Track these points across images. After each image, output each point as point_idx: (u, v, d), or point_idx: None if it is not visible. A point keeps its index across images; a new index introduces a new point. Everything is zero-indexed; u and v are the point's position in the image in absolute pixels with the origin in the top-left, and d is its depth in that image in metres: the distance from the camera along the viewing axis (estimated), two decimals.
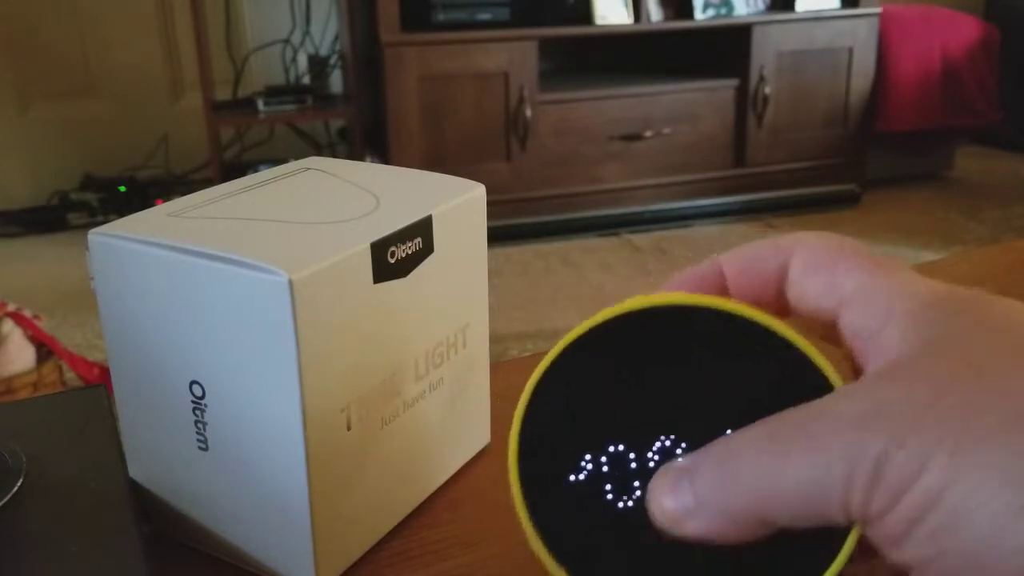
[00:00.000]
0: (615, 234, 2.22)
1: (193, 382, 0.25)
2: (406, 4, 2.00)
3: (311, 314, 0.23)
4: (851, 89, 2.34)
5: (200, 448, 0.26)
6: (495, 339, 1.21)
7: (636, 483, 0.20)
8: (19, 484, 0.27)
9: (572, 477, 0.21)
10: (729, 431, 0.19)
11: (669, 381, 0.20)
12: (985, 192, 2.49)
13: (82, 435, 0.30)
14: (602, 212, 2.22)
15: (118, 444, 0.29)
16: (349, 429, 0.25)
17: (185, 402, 0.25)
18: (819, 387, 0.19)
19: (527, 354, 0.45)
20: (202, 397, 0.25)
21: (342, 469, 0.25)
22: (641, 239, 2.20)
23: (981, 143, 2.77)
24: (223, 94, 2.31)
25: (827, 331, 0.20)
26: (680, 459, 0.19)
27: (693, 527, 0.18)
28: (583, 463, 0.21)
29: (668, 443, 0.20)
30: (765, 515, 0.17)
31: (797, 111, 2.32)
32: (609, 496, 0.20)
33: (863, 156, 2.42)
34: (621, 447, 0.20)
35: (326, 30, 2.41)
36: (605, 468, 0.20)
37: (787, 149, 2.34)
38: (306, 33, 2.40)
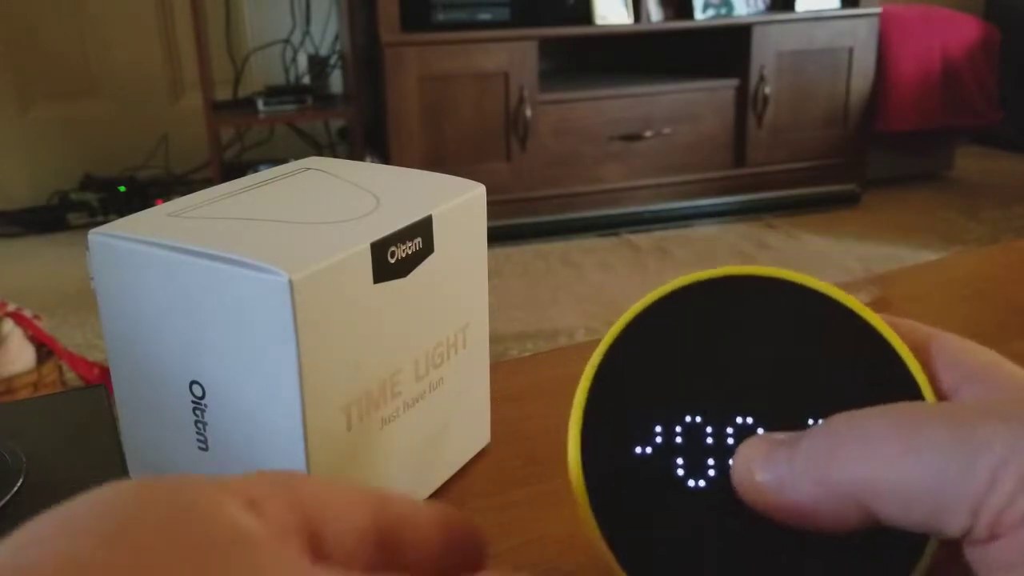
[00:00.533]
0: (615, 234, 2.22)
1: (193, 382, 0.25)
2: (406, 4, 2.00)
3: (311, 314, 0.23)
4: (851, 89, 2.34)
5: (200, 448, 0.26)
6: (495, 339, 1.21)
7: (710, 461, 0.19)
8: (19, 484, 0.27)
9: (640, 448, 0.19)
10: (811, 421, 0.18)
11: (752, 356, 0.19)
12: (985, 192, 2.49)
13: (82, 435, 0.30)
14: (602, 212, 2.22)
15: (118, 444, 0.29)
16: (349, 429, 0.25)
17: (185, 402, 0.25)
18: (908, 387, 0.18)
19: (527, 354, 0.45)
20: (202, 397, 0.25)
21: (342, 469, 0.25)
22: (641, 239, 2.20)
23: (981, 143, 2.77)
24: (223, 94, 2.31)
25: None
26: (774, 434, 0.18)
27: (783, 499, 0.17)
28: (655, 434, 0.19)
29: (749, 422, 0.19)
30: (868, 499, 0.16)
31: (797, 111, 2.32)
32: (680, 472, 0.19)
33: (863, 156, 2.41)
34: (699, 419, 0.19)
35: (326, 30, 2.41)
36: (679, 440, 0.19)
37: (787, 149, 2.34)
38: (306, 33, 2.40)
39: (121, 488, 0.14)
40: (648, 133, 2.22)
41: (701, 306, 0.20)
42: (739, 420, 0.19)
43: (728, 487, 0.18)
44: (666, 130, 2.23)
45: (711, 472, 0.19)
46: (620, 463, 0.19)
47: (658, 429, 0.19)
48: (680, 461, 0.19)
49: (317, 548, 0.15)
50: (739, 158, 2.31)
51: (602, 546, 0.18)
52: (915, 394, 0.19)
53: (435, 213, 0.27)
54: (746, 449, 0.18)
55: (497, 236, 2.06)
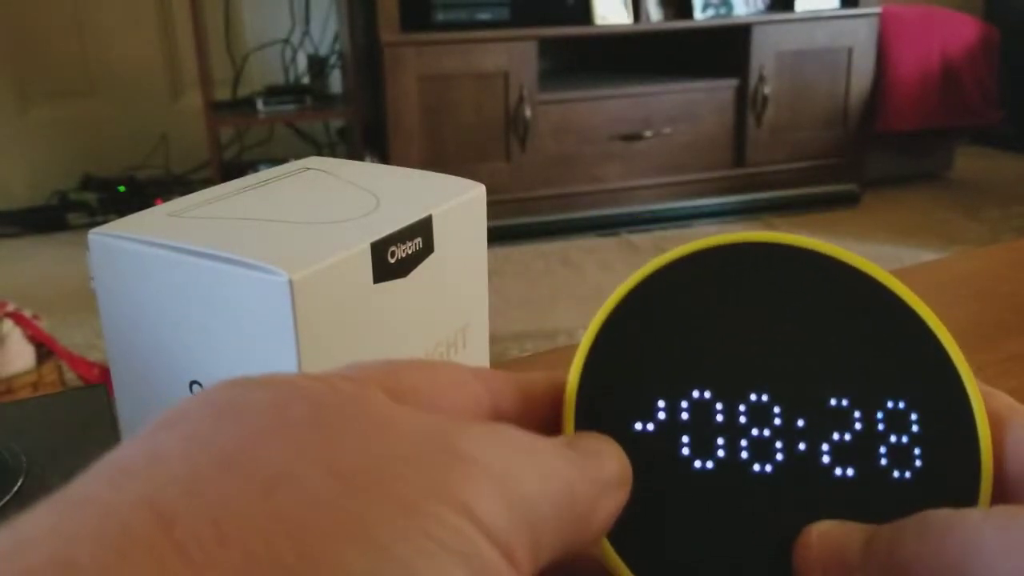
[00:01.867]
0: (615, 234, 2.22)
1: (193, 382, 0.25)
2: (406, 4, 2.00)
3: (311, 314, 0.23)
4: (851, 89, 2.33)
5: None
6: (495, 339, 1.21)
7: (720, 441, 0.17)
8: (19, 484, 0.27)
9: (640, 425, 0.17)
10: (832, 400, 0.17)
11: (769, 328, 0.18)
12: (985, 192, 2.49)
13: (82, 435, 0.30)
14: (602, 212, 2.22)
15: (118, 444, 0.29)
16: None
17: None
18: (940, 362, 0.17)
19: (527, 354, 0.45)
20: None
21: None
22: (641, 239, 2.20)
23: (981, 143, 2.77)
24: (222, 94, 2.30)
25: None
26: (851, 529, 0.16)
27: None
28: (657, 409, 0.17)
29: (764, 399, 0.17)
30: None
31: (797, 111, 2.32)
32: (685, 452, 0.17)
33: (863, 156, 2.41)
34: (708, 395, 0.17)
35: (325, 30, 2.41)
36: (685, 417, 0.17)
37: (787, 149, 2.34)
38: (305, 33, 2.39)
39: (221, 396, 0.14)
40: (648, 133, 2.22)
41: (713, 273, 0.18)
42: (753, 397, 0.17)
43: (739, 471, 0.17)
44: (666, 130, 2.23)
45: (720, 453, 0.17)
46: (617, 440, 0.17)
47: (661, 404, 0.17)
48: (686, 440, 0.17)
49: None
50: (739, 158, 2.31)
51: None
52: (948, 371, 0.18)
53: (435, 213, 0.27)
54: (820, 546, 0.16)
55: (497, 236, 2.06)
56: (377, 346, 0.26)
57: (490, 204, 0.30)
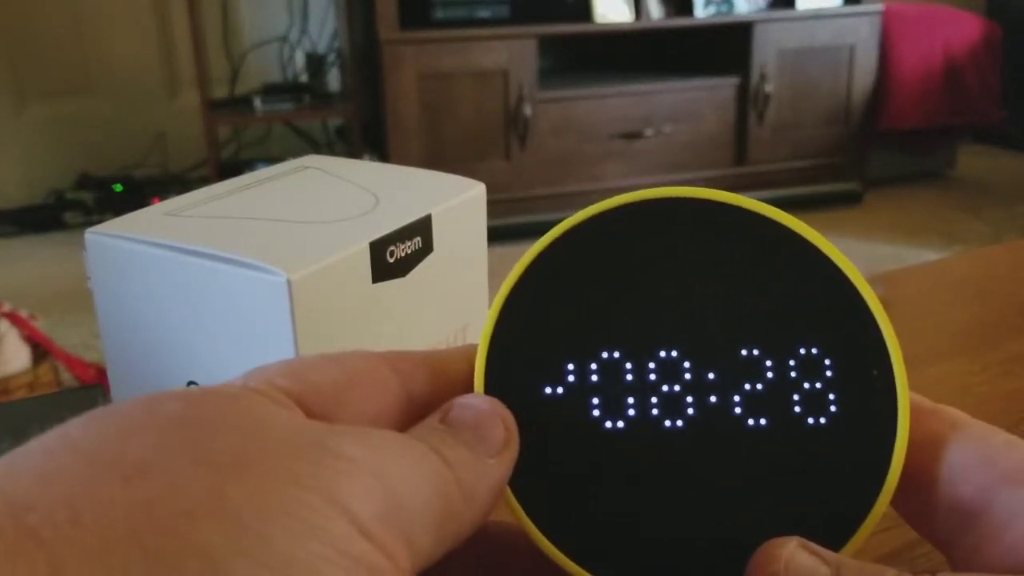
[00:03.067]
0: None
1: (190, 382, 0.25)
2: (405, 1, 2.00)
3: (309, 314, 0.23)
4: (853, 87, 2.33)
5: None
6: None
7: (630, 399, 0.17)
8: None
9: (550, 389, 0.17)
10: (743, 352, 0.17)
11: (678, 284, 0.17)
12: (988, 191, 2.49)
13: None
14: None
15: None
16: None
17: None
18: (856, 310, 0.17)
19: None
20: None
21: None
22: None
23: (983, 142, 2.77)
24: (220, 92, 2.30)
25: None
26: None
27: None
28: (566, 372, 0.17)
29: (673, 355, 0.17)
30: None
31: (799, 109, 2.31)
32: (595, 413, 0.17)
33: (865, 155, 2.41)
34: (616, 354, 0.17)
35: (324, 27, 2.40)
36: (594, 378, 0.17)
37: (788, 147, 2.33)
38: (304, 31, 2.39)
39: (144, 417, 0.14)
40: (649, 131, 2.22)
41: (621, 232, 0.18)
42: (662, 354, 0.17)
43: (650, 428, 0.17)
44: (667, 128, 2.23)
45: (631, 412, 0.17)
46: (527, 404, 0.17)
47: (570, 367, 0.17)
48: (596, 401, 0.17)
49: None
50: (740, 157, 2.31)
51: (510, 498, 0.17)
52: (862, 314, 0.17)
53: (434, 212, 0.27)
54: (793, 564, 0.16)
55: (497, 235, 2.05)
56: (376, 346, 0.25)
57: (490, 203, 0.30)
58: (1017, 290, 0.50)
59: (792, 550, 0.16)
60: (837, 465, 0.17)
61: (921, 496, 0.17)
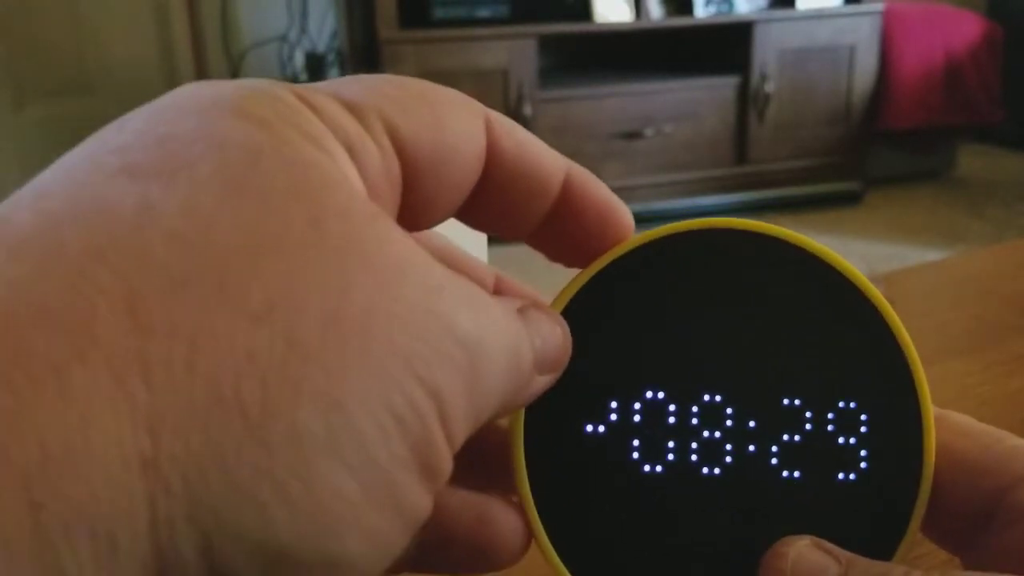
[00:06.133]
0: None
1: None
2: (404, 1, 1.99)
3: None
4: (853, 87, 2.33)
5: None
6: None
7: (671, 443, 0.17)
8: None
9: (591, 427, 0.17)
10: (786, 401, 0.17)
11: (724, 324, 0.17)
12: (988, 191, 2.48)
13: None
14: None
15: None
16: None
17: None
18: (898, 362, 0.17)
19: None
20: None
21: None
22: None
23: (984, 141, 2.76)
24: None
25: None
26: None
27: None
28: (609, 410, 0.17)
29: (717, 400, 0.17)
30: None
31: (799, 109, 2.31)
32: (635, 455, 0.17)
33: (865, 154, 2.41)
34: (661, 395, 0.17)
35: (323, 27, 2.40)
36: (637, 418, 0.17)
37: (789, 147, 2.33)
38: (303, 30, 2.39)
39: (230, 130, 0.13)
40: (649, 131, 2.21)
41: (668, 263, 0.17)
42: (706, 397, 0.17)
43: (688, 474, 0.17)
44: (667, 128, 2.22)
45: (671, 456, 0.17)
46: (567, 442, 0.17)
47: (614, 405, 0.17)
48: (636, 443, 0.17)
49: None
50: (741, 156, 2.31)
51: (541, 537, 0.17)
52: (903, 373, 0.17)
53: None
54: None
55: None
56: None
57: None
58: (1018, 290, 0.49)
59: (801, 548, 0.16)
60: (858, 522, 0.17)
61: (932, 503, 0.17)
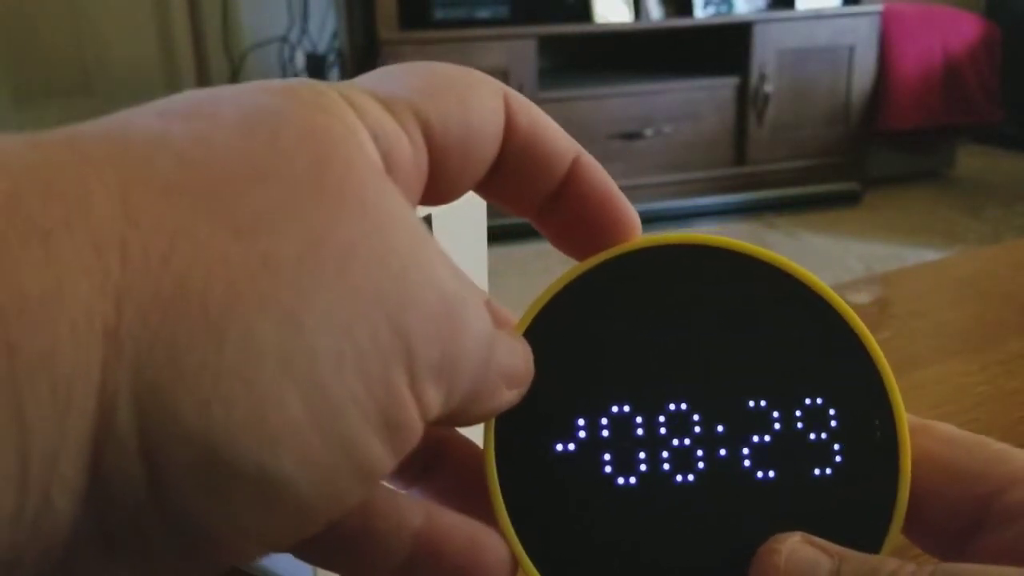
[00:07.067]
0: None
1: None
2: (405, 1, 1.99)
3: None
4: (852, 87, 2.33)
5: None
6: None
7: (641, 454, 0.17)
8: None
9: (561, 446, 0.17)
10: (751, 403, 0.17)
11: (684, 334, 0.17)
12: (987, 191, 2.49)
13: None
14: None
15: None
16: None
17: None
18: (860, 361, 0.17)
19: None
20: None
21: None
22: None
23: (983, 142, 2.76)
24: None
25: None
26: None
27: None
28: (577, 428, 0.17)
29: (683, 408, 0.17)
30: None
31: (798, 109, 2.31)
32: (607, 469, 0.17)
33: (864, 155, 2.41)
34: (627, 408, 0.17)
35: (324, 27, 2.40)
36: (605, 433, 0.17)
37: (788, 147, 2.33)
38: (304, 31, 2.39)
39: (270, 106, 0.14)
40: (648, 131, 2.22)
41: (624, 281, 0.18)
42: (672, 406, 0.17)
43: (661, 483, 0.17)
44: (666, 128, 2.23)
45: (643, 467, 0.17)
46: (539, 463, 0.17)
47: (581, 423, 0.17)
48: (607, 457, 0.17)
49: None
50: (740, 156, 2.31)
51: (523, 558, 0.17)
52: (866, 365, 0.17)
53: (435, 213, 0.27)
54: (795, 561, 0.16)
55: (497, 236, 2.05)
56: None
57: (489, 203, 0.30)
58: (1016, 290, 0.50)
59: (793, 544, 0.16)
60: (841, 517, 0.17)
61: (921, 513, 0.17)
